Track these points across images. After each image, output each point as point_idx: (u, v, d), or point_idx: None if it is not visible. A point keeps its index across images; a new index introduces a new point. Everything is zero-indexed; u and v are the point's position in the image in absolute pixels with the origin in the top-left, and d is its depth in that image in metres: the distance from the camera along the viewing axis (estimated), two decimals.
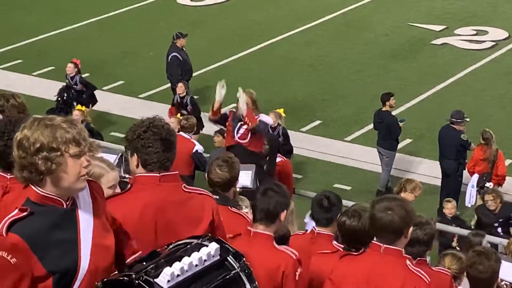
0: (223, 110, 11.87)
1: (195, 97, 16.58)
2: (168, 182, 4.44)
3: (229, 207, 6.26)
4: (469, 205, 13.85)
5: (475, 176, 13.77)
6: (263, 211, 5.19)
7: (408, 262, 5.00)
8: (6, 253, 3.39)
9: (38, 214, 3.47)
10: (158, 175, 4.42)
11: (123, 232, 3.99)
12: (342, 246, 5.89)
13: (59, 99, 15.94)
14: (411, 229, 4.89)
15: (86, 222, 3.58)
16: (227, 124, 11.55)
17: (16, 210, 3.48)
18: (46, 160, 3.44)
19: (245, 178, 9.63)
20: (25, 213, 3.45)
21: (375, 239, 4.88)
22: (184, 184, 4.52)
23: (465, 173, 14.15)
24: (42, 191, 3.49)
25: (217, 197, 6.24)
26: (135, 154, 4.46)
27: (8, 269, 3.39)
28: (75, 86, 16.66)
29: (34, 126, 3.48)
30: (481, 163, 13.80)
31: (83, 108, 15.80)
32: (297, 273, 5.13)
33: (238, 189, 8.63)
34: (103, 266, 3.59)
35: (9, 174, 4.21)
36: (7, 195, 4.12)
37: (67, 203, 3.54)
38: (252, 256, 5.06)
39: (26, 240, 3.41)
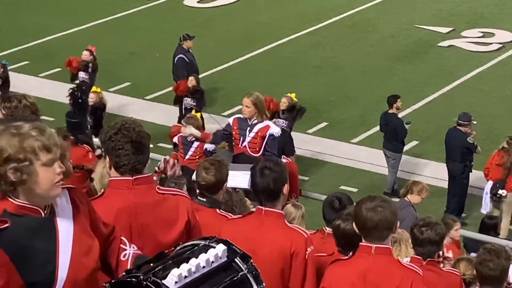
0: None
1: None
2: (141, 184, 4.44)
3: (216, 210, 6.18)
4: (484, 212, 13.67)
5: (489, 183, 13.64)
6: (265, 192, 5.19)
7: (399, 258, 5.06)
8: None
9: (16, 225, 3.36)
10: (131, 178, 4.42)
11: (114, 238, 3.89)
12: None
13: (72, 99, 15.79)
14: (398, 223, 4.93)
15: (65, 230, 3.48)
16: (233, 133, 11.30)
17: None
18: (16, 171, 3.34)
19: (243, 179, 9.53)
20: (5, 225, 3.34)
21: (362, 241, 4.87)
22: (158, 186, 4.54)
23: (472, 175, 14.11)
24: (17, 201, 3.40)
25: (204, 199, 6.23)
26: (107, 156, 4.47)
27: None
28: (84, 76, 16.60)
29: (0, 135, 3.36)
30: (496, 169, 13.57)
31: (98, 89, 15.76)
32: (307, 252, 5.12)
33: (237, 190, 8.59)
34: (84, 276, 3.50)
35: None
36: None
37: (45, 211, 3.45)
38: (263, 233, 5.08)
39: (6, 250, 3.32)
